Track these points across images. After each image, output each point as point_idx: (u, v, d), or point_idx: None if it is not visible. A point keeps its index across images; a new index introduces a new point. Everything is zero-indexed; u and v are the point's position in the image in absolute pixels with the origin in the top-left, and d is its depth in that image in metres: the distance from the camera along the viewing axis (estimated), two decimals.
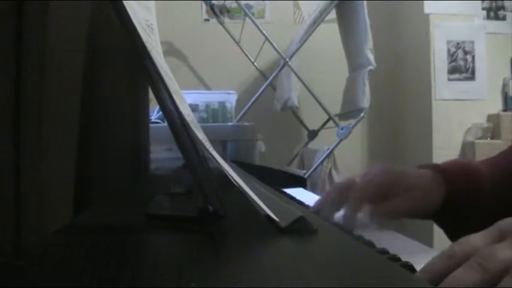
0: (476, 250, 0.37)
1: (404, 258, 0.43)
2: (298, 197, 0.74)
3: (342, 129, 2.29)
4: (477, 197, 0.64)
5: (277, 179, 0.97)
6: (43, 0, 0.44)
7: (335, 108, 2.54)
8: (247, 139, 1.61)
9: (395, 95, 3.13)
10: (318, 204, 0.65)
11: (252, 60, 2.77)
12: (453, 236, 0.65)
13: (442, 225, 0.68)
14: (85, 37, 0.54)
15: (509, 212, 0.42)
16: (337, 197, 0.63)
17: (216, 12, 2.82)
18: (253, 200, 0.36)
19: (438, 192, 0.63)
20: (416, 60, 2.94)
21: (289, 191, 0.85)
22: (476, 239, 0.39)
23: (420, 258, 0.46)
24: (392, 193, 0.62)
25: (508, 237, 0.37)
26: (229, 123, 1.89)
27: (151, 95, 0.39)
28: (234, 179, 0.38)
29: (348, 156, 2.82)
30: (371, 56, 2.30)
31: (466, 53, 2.83)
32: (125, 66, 0.70)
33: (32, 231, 0.42)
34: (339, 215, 0.61)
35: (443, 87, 2.81)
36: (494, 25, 2.93)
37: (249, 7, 2.91)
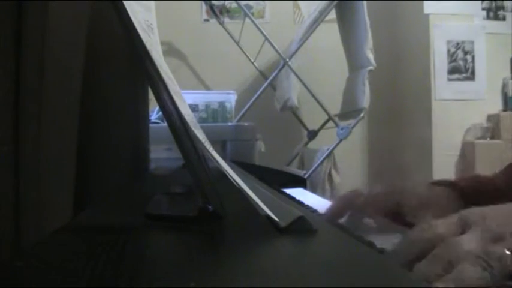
0: (439, 238, 0.38)
1: None
2: (298, 197, 0.74)
3: (342, 129, 2.29)
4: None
5: (277, 179, 0.97)
6: (43, 0, 0.44)
7: (335, 108, 2.54)
8: (247, 139, 1.61)
9: (395, 95, 3.13)
10: (328, 213, 0.65)
11: (252, 60, 2.77)
12: None
13: None
14: (85, 37, 0.54)
15: None
16: (341, 207, 0.63)
17: (216, 12, 2.82)
18: (253, 200, 0.36)
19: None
20: (416, 60, 2.94)
21: (289, 191, 0.85)
22: (439, 227, 0.39)
23: None
24: (402, 210, 0.61)
25: (470, 227, 0.38)
26: (229, 123, 1.89)
27: (151, 95, 0.39)
28: (234, 179, 0.38)
29: (348, 156, 2.82)
30: (371, 56, 2.30)
31: (465, 53, 2.84)
32: (124, 66, 0.70)
33: (32, 231, 0.42)
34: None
35: (443, 87, 2.81)
36: (494, 25, 2.93)
37: (249, 7, 2.92)
